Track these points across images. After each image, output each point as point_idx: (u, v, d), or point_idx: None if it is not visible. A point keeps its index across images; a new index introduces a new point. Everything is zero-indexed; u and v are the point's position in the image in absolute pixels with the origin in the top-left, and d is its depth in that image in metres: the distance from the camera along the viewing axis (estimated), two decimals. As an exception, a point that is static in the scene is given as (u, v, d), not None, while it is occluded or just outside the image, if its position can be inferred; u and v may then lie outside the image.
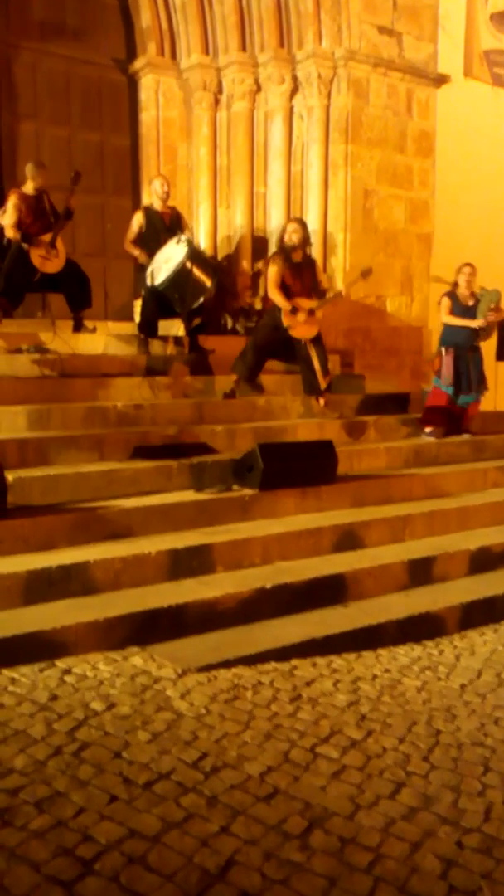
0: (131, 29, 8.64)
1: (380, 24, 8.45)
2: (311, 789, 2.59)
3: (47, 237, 6.54)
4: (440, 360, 6.81)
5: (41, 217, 6.68)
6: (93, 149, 8.56)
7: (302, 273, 6.44)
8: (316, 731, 2.99)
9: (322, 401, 6.47)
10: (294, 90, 8.48)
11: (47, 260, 6.54)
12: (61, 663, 3.43)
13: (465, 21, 9.24)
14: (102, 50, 8.57)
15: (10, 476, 4.31)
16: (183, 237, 6.89)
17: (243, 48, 8.45)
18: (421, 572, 4.71)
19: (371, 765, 2.77)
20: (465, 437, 6.77)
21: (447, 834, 2.38)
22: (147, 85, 8.63)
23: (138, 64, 8.63)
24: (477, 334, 6.80)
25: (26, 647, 3.43)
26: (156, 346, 7.02)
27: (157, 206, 7.40)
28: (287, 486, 5.03)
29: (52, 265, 6.58)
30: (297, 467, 5.08)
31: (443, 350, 6.82)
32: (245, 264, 8.64)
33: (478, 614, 4.43)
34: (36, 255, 6.49)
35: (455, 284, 6.90)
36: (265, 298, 7.26)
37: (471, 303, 6.82)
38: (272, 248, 7.86)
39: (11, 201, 6.59)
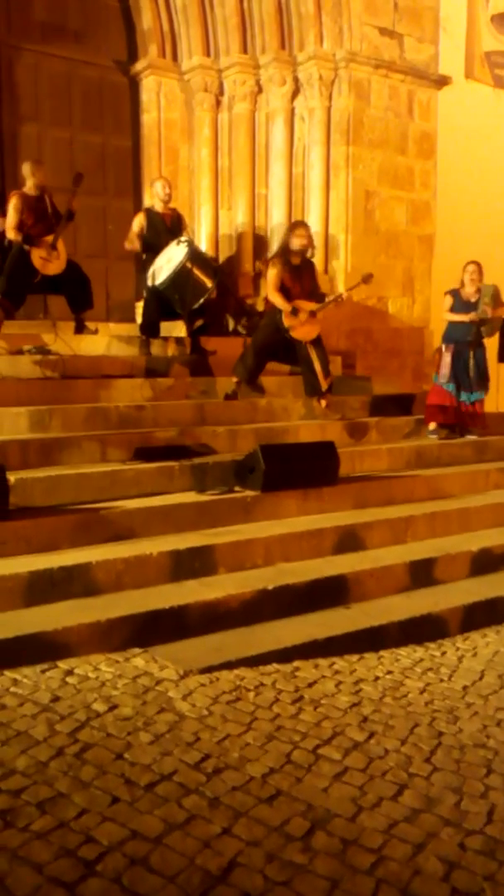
0: (132, 30, 8.66)
1: (381, 26, 8.46)
2: (313, 791, 2.58)
3: (49, 238, 6.55)
4: (440, 356, 6.83)
5: (42, 218, 6.69)
6: (94, 150, 8.56)
7: (301, 276, 6.44)
8: (318, 733, 2.99)
9: (323, 402, 6.47)
10: (295, 92, 8.49)
11: (48, 261, 6.55)
12: (63, 664, 3.43)
13: (466, 23, 9.24)
14: (104, 51, 8.58)
15: (11, 477, 4.32)
16: (183, 238, 6.90)
17: (244, 50, 8.46)
18: (423, 574, 4.71)
19: (373, 766, 2.77)
20: (469, 437, 6.76)
21: (450, 836, 2.38)
22: (148, 86, 8.64)
23: (140, 65, 8.63)
24: (478, 329, 6.77)
25: (28, 649, 3.42)
26: (157, 348, 7.04)
27: (159, 207, 7.40)
28: (289, 487, 5.02)
29: (53, 267, 6.59)
30: (298, 468, 5.08)
31: (443, 347, 6.85)
32: (247, 266, 8.66)
33: (480, 616, 4.43)
34: (37, 257, 6.49)
35: (461, 283, 6.91)
36: (266, 300, 7.26)
37: (474, 300, 6.83)
38: (273, 249, 7.86)
39: (12, 203, 6.60)
